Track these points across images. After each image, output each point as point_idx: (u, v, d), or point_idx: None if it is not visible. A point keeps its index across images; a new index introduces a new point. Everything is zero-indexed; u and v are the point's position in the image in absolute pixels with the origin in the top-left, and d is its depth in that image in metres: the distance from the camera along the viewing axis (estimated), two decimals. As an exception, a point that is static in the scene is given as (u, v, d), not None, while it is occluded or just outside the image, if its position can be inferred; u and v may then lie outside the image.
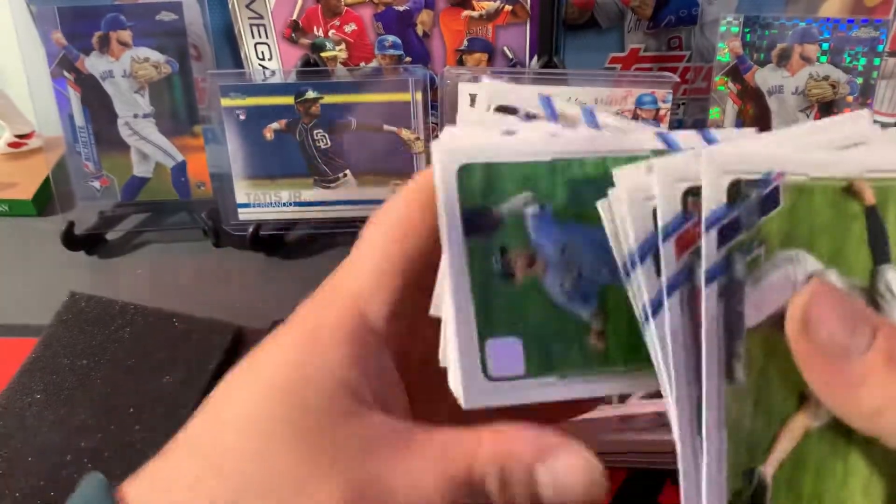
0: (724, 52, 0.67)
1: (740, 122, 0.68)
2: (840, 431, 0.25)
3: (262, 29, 0.73)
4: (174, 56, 0.70)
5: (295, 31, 0.72)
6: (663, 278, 0.25)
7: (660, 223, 0.25)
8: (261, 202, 0.71)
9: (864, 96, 0.65)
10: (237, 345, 0.61)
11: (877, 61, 0.64)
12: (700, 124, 0.74)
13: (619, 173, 0.25)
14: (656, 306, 0.25)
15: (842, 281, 0.25)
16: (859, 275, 0.25)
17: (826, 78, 0.65)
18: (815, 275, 0.25)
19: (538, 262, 0.26)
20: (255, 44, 0.73)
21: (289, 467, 0.22)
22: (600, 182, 0.26)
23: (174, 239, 0.75)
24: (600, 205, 0.25)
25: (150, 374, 0.57)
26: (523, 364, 0.26)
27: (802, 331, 0.23)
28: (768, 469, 0.26)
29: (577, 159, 0.27)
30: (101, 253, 0.73)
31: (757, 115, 0.68)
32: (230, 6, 0.71)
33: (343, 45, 0.73)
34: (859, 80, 0.65)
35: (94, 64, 0.69)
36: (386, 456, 0.22)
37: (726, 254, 0.25)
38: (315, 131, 0.69)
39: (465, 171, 0.25)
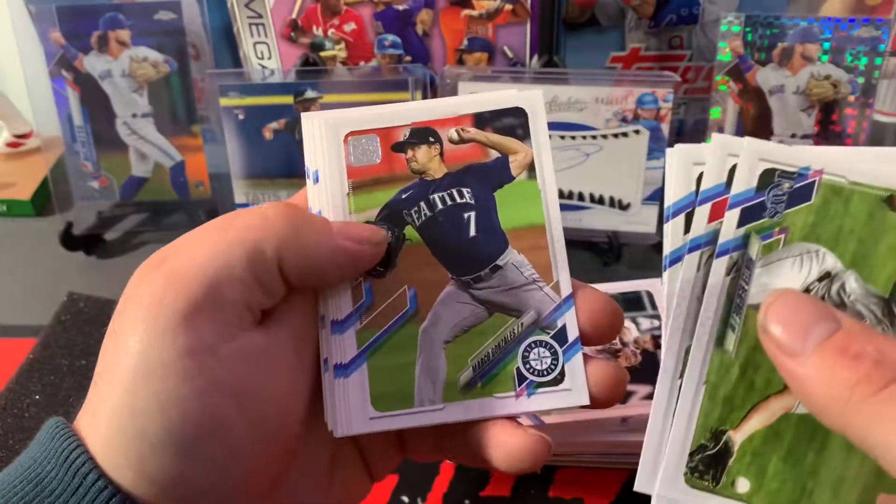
0: (726, 52, 0.67)
1: (741, 122, 0.68)
2: (820, 423, 0.25)
3: (261, 28, 0.72)
4: (173, 55, 0.69)
5: (294, 31, 0.72)
6: (690, 235, 0.27)
7: (702, 187, 0.27)
8: (260, 202, 0.71)
9: (866, 96, 0.65)
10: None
11: (878, 61, 0.64)
12: (701, 124, 0.74)
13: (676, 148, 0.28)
14: (675, 259, 0.27)
15: (859, 285, 0.26)
16: (881, 285, 0.26)
17: (827, 77, 0.65)
18: (833, 273, 0.26)
19: None
20: (255, 43, 0.73)
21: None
22: None
23: (173, 239, 0.74)
24: (669, 152, 0.28)
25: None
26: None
27: (763, 328, 0.25)
28: (737, 436, 0.27)
29: None
30: (99, 253, 0.73)
31: (758, 114, 0.68)
32: (229, 5, 0.71)
33: (342, 45, 0.72)
34: (861, 80, 0.65)
35: (92, 63, 0.69)
36: (190, 233, 0.29)
37: (744, 233, 0.27)
38: (314, 131, 0.69)
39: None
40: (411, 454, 0.34)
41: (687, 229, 0.27)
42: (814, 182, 0.26)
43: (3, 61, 0.80)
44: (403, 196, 0.31)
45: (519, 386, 0.31)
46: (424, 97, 0.69)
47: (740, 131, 0.68)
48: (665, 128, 0.65)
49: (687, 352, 0.27)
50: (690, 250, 0.27)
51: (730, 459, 0.27)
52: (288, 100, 0.68)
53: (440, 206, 0.31)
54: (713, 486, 0.27)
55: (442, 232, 0.31)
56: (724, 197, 0.27)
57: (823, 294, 0.26)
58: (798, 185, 0.26)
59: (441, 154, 0.31)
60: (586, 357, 0.31)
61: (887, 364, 0.22)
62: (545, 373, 0.31)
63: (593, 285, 0.32)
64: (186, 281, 0.26)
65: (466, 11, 0.70)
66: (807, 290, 0.26)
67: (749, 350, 0.27)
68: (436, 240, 0.31)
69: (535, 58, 0.71)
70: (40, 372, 0.57)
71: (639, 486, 0.28)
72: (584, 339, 0.31)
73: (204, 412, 0.26)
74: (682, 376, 0.27)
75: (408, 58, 0.72)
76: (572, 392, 0.31)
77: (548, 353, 0.31)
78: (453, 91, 0.66)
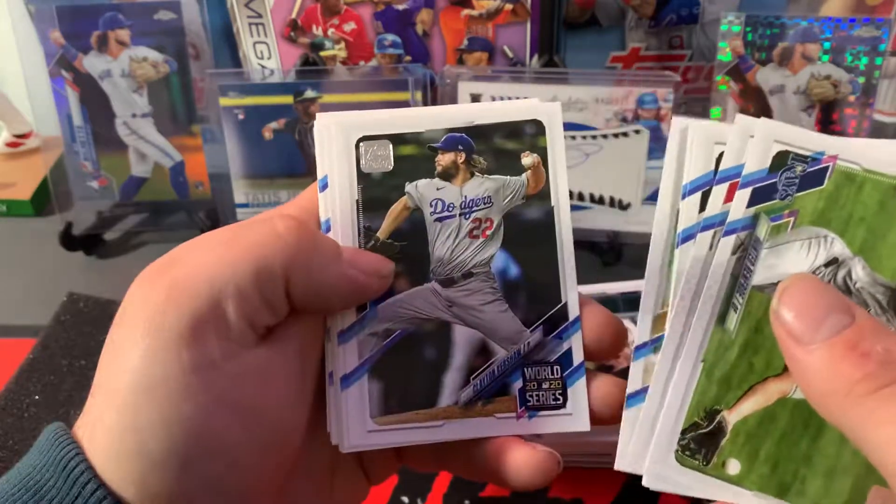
0: (726, 52, 0.67)
1: (741, 121, 0.68)
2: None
3: (260, 28, 0.72)
4: (173, 55, 0.69)
5: (294, 30, 0.72)
6: (705, 214, 0.27)
7: (722, 166, 0.27)
8: (259, 202, 0.70)
9: (866, 96, 0.65)
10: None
11: (878, 60, 0.64)
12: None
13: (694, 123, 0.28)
14: (686, 237, 0.27)
15: (866, 273, 0.26)
16: (888, 274, 0.26)
17: (828, 77, 0.65)
18: (841, 259, 0.26)
19: None
20: (254, 43, 0.73)
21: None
22: None
23: (173, 239, 0.73)
24: (675, 123, 0.28)
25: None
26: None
27: (776, 312, 0.25)
28: (731, 417, 0.27)
29: None
30: (99, 253, 0.73)
31: (758, 114, 0.67)
32: (229, 5, 0.71)
33: (342, 44, 0.72)
34: (861, 80, 0.65)
35: (92, 63, 0.69)
36: (194, 241, 0.28)
37: (754, 213, 0.27)
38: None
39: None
40: (410, 463, 0.34)
41: (702, 208, 0.27)
42: (827, 167, 0.26)
43: (3, 61, 0.80)
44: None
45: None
46: (424, 97, 0.69)
47: (740, 131, 0.68)
48: (665, 128, 0.65)
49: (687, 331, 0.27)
50: (704, 229, 0.27)
51: (722, 439, 0.27)
52: (288, 100, 0.68)
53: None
54: (703, 466, 0.27)
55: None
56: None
57: (830, 280, 0.26)
58: (811, 169, 0.26)
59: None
60: (589, 373, 0.30)
61: (893, 365, 0.22)
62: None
63: (593, 285, 0.32)
64: (190, 294, 0.26)
65: (466, 11, 0.70)
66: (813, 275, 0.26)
67: (750, 331, 0.27)
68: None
69: (535, 58, 0.71)
70: (40, 372, 0.57)
71: (620, 465, 0.28)
72: (586, 354, 0.30)
73: (207, 429, 0.25)
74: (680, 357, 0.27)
75: (408, 58, 0.72)
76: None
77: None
78: (453, 91, 0.66)
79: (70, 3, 0.67)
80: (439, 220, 0.31)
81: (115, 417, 0.25)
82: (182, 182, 0.73)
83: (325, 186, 0.30)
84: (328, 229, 0.30)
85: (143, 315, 0.25)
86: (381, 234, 0.30)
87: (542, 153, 0.31)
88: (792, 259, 0.26)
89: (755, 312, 0.27)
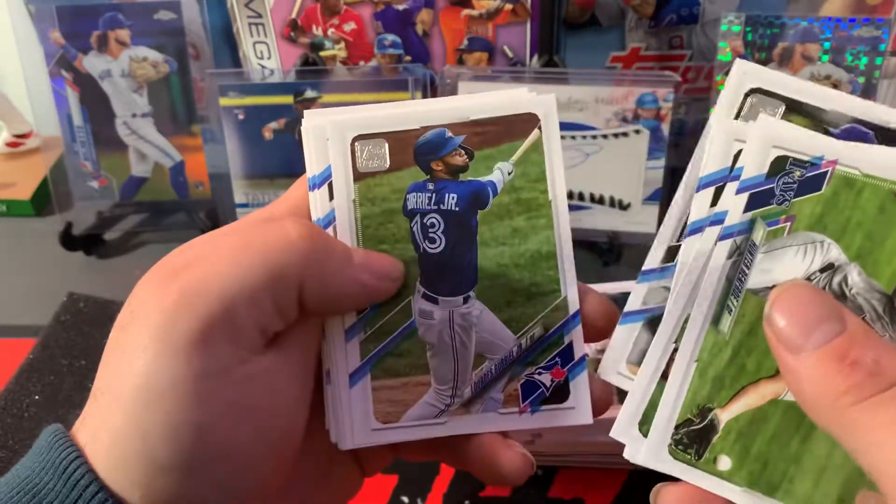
0: (726, 52, 0.67)
1: (741, 121, 0.68)
2: None
3: (260, 28, 0.72)
4: (173, 55, 0.69)
5: (294, 30, 0.72)
6: (716, 209, 0.27)
7: (738, 164, 0.27)
8: (259, 202, 0.70)
9: (866, 95, 0.65)
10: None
11: (879, 60, 0.64)
12: (701, 124, 0.73)
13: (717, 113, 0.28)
14: (694, 230, 0.28)
15: (861, 279, 0.26)
16: (885, 280, 0.26)
17: (828, 77, 0.65)
18: (837, 265, 0.26)
19: None
20: (254, 43, 0.73)
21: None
22: None
23: (173, 239, 0.74)
24: (715, 124, 0.28)
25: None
26: None
27: (768, 318, 0.25)
28: (723, 415, 0.27)
29: None
30: (99, 253, 0.73)
31: (758, 114, 0.67)
32: (229, 5, 0.71)
33: (342, 44, 0.72)
34: (861, 80, 0.65)
35: (92, 63, 0.69)
36: (204, 243, 0.28)
37: (751, 218, 0.27)
38: (314, 131, 0.69)
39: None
40: (403, 455, 0.34)
41: (714, 202, 0.27)
42: (826, 172, 0.26)
43: (3, 61, 0.80)
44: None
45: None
46: (424, 97, 0.69)
47: (740, 131, 0.68)
48: (665, 128, 0.65)
49: (686, 320, 0.27)
50: (713, 223, 0.27)
51: (714, 436, 0.27)
52: (288, 100, 0.68)
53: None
54: (695, 461, 0.27)
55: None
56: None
57: (825, 285, 0.26)
58: (809, 174, 0.26)
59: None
60: (589, 375, 0.31)
61: (881, 376, 0.22)
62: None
63: (593, 285, 0.32)
64: (202, 299, 0.25)
65: (466, 11, 0.70)
66: (808, 280, 0.26)
67: (743, 333, 0.27)
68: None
69: (535, 58, 0.71)
70: (40, 372, 0.57)
71: (614, 433, 0.29)
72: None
73: (216, 435, 0.25)
74: (676, 344, 0.28)
75: (408, 58, 0.72)
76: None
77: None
78: (453, 91, 0.66)
79: (70, 3, 0.67)
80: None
81: (120, 423, 0.25)
82: (182, 182, 0.73)
83: (314, 185, 0.30)
84: (325, 228, 0.30)
85: (152, 319, 0.25)
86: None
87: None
88: (787, 264, 0.26)
89: (749, 315, 0.27)
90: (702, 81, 0.76)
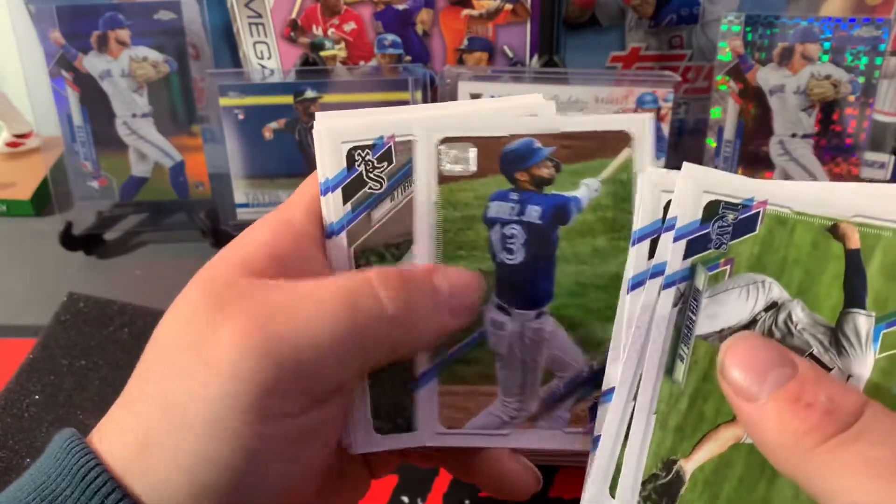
0: (726, 52, 0.67)
1: (741, 121, 0.68)
2: None
3: (260, 28, 0.72)
4: (173, 55, 0.69)
5: (294, 30, 0.72)
6: (653, 261, 0.27)
7: (668, 215, 0.27)
8: (260, 202, 0.70)
9: (866, 95, 0.65)
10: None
11: (878, 60, 0.64)
12: (701, 124, 0.73)
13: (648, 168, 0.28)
14: (636, 284, 0.27)
15: (805, 314, 0.26)
16: (826, 314, 0.26)
17: (828, 77, 0.65)
18: (780, 303, 0.26)
19: None
20: (254, 43, 0.73)
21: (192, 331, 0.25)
22: None
23: (173, 239, 0.74)
24: (641, 177, 0.28)
25: (149, 375, 0.56)
26: None
27: (722, 371, 0.25)
28: (688, 466, 0.27)
29: None
30: (99, 253, 0.73)
31: (758, 114, 0.68)
32: (229, 5, 0.71)
33: (342, 44, 0.72)
34: (861, 80, 0.65)
35: (92, 63, 0.69)
36: (286, 291, 0.26)
37: (690, 264, 0.27)
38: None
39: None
40: (412, 461, 0.34)
41: (651, 255, 0.27)
42: (758, 213, 0.26)
43: (3, 61, 0.80)
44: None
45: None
46: (424, 97, 0.69)
47: (741, 131, 0.68)
48: (665, 128, 0.65)
49: (639, 382, 0.27)
50: (653, 276, 0.27)
51: (682, 488, 0.27)
52: (288, 100, 0.68)
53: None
54: None
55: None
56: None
57: (771, 324, 0.26)
58: (742, 216, 0.26)
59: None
60: None
61: (837, 414, 0.22)
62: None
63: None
64: (284, 355, 0.24)
65: (466, 11, 0.70)
66: (754, 321, 0.26)
67: (698, 380, 0.27)
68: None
69: (535, 58, 0.71)
70: (40, 372, 0.57)
71: (585, 502, 0.28)
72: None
73: (256, 478, 0.25)
74: (635, 400, 0.27)
75: (408, 58, 0.72)
76: None
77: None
78: (453, 91, 0.66)
79: (70, 3, 0.67)
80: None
81: (160, 450, 0.24)
82: (182, 182, 0.73)
83: (327, 189, 0.29)
84: (332, 233, 0.29)
85: (218, 358, 0.24)
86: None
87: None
88: (732, 306, 0.26)
89: (701, 362, 0.27)
90: (702, 81, 0.76)
